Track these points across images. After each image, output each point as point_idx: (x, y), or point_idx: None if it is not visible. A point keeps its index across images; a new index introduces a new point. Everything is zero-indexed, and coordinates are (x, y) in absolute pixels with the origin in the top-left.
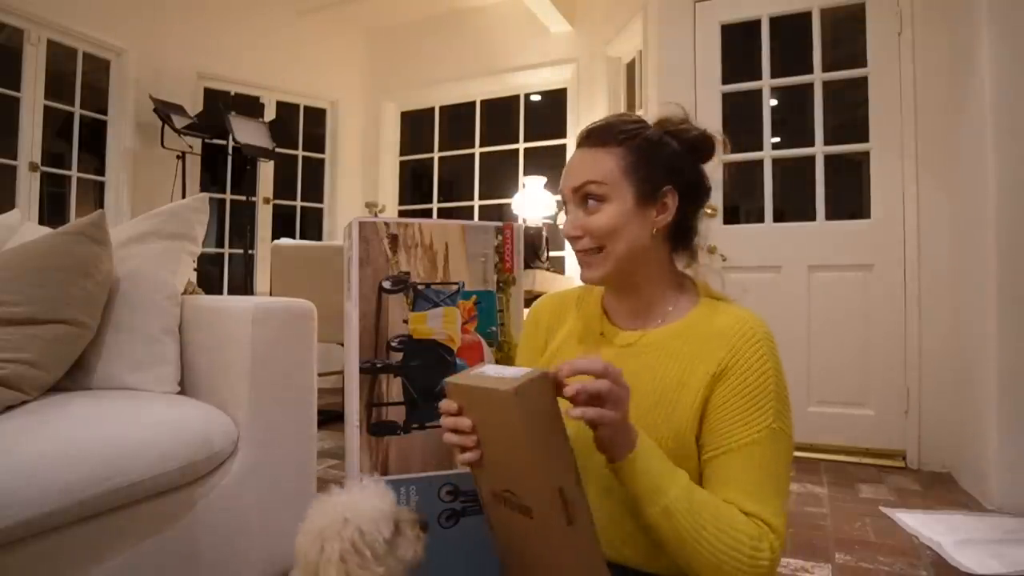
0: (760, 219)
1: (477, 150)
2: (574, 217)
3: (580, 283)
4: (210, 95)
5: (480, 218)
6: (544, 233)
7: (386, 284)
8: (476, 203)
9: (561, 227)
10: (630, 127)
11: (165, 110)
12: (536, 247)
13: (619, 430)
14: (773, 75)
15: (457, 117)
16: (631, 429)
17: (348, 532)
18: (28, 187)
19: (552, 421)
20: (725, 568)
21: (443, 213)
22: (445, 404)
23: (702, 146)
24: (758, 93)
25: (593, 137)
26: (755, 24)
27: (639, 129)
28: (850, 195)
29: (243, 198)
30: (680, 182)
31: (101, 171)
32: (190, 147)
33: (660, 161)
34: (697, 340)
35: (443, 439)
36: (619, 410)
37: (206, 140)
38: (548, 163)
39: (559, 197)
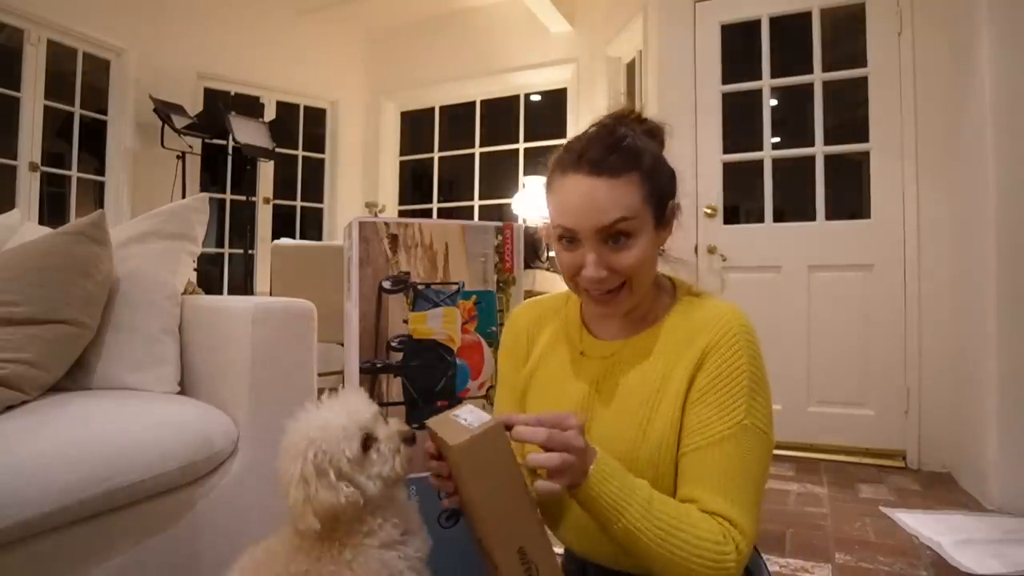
0: (760, 219)
1: (477, 150)
2: (598, 257)
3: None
4: (210, 95)
5: (480, 218)
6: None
7: (386, 284)
8: (476, 203)
9: (565, 264)
10: (629, 142)
11: (165, 110)
12: (536, 247)
13: (573, 472)
14: (773, 75)
15: (457, 117)
16: (585, 462)
17: (311, 452)
18: (28, 187)
19: (507, 475)
20: (692, 574)
21: (443, 213)
22: (428, 445)
23: (662, 135)
24: (758, 93)
25: (608, 163)
26: (755, 24)
27: (635, 140)
28: (850, 195)
29: (243, 198)
30: (673, 189)
31: (101, 171)
32: (190, 147)
33: (663, 175)
34: (678, 337)
35: (431, 480)
36: (573, 472)
37: (206, 140)
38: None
39: (552, 225)
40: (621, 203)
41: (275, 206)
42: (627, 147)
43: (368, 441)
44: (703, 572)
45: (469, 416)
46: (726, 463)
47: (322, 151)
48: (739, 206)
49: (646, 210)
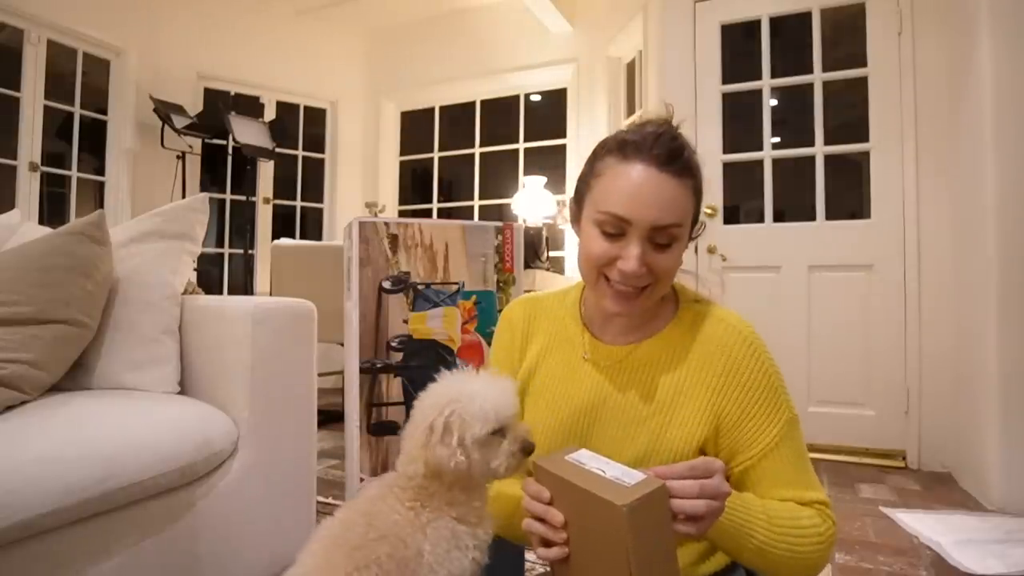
0: (760, 219)
1: (477, 150)
2: (642, 253)
3: (576, 283)
4: (210, 95)
5: (480, 218)
6: (544, 233)
7: (386, 284)
8: (476, 203)
9: (597, 252)
10: (689, 152)
11: (165, 110)
12: (536, 247)
13: (716, 517)
14: (773, 75)
15: (457, 117)
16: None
17: (449, 410)
18: (28, 187)
19: (664, 538)
20: (811, 563)
21: (443, 213)
22: (535, 489)
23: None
24: (758, 93)
25: (677, 163)
26: (755, 24)
27: (692, 153)
28: (850, 195)
29: (243, 198)
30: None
31: (101, 171)
32: (190, 147)
33: (702, 195)
34: (688, 349)
35: (523, 525)
36: (715, 518)
37: (206, 140)
38: (548, 163)
39: (597, 210)
40: (680, 208)
41: (275, 206)
42: (689, 157)
43: (496, 433)
44: (820, 556)
45: (599, 463)
46: (792, 458)
47: (322, 151)
48: (739, 206)
49: (688, 222)
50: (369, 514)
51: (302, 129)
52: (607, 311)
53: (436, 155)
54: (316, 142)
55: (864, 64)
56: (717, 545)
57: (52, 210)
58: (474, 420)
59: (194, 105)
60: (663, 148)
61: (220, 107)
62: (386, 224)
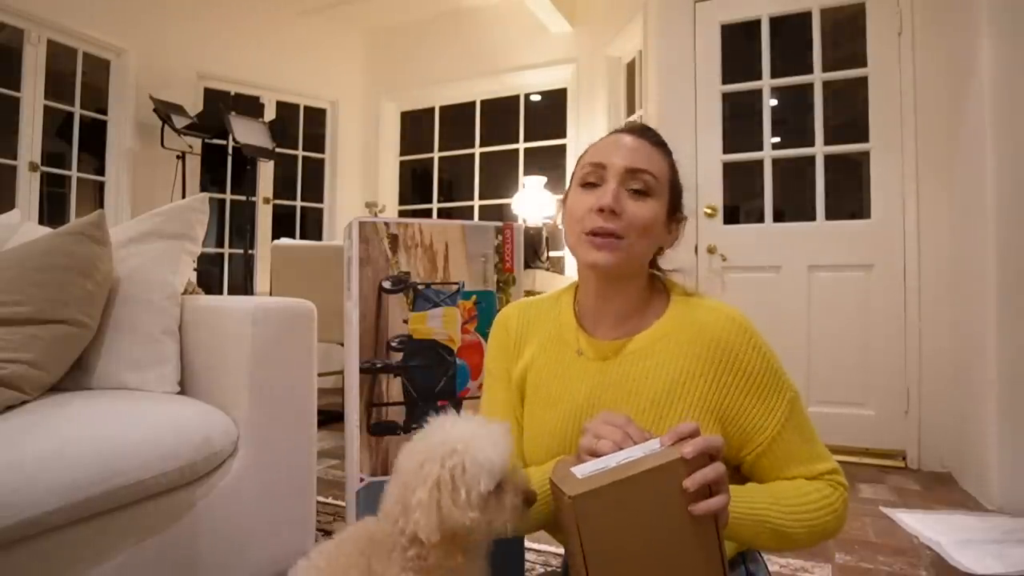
0: (760, 219)
1: (477, 150)
2: (617, 190)
3: (570, 284)
4: (210, 95)
5: (480, 218)
6: (544, 233)
7: (386, 284)
8: (476, 203)
9: (578, 206)
10: (664, 142)
11: (165, 110)
12: (536, 247)
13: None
14: (773, 75)
15: (457, 117)
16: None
17: (451, 462)
18: (28, 187)
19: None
20: (829, 531)
21: (443, 213)
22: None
23: None
24: (758, 93)
25: (650, 134)
26: (755, 24)
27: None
28: (850, 195)
29: (243, 198)
30: (681, 203)
31: (101, 171)
32: (190, 147)
33: (679, 182)
34: (683, 340)
35: None
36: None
37: (206, 140)
38: (548, 163)
39: (580, 166)
40: (652, 161)
41: (275, 206)
42: (660, 137)
43: (501, 486)
44: (836, 523)
45: (607, 460)
46: (798, 436)
47: (322, 151)
48: (739, 206)
49: (666, 190)
50: (358, 551)
51: (302, 129)
52: (589, 263)
53: (436, 155)
54: (316, 142)
55: (864, 64)
56: (735, 538)
57: (52, 210)
58: (481, 473)
59: (194, 105)
60: (648, 128)
61: (220, 107)
62: (386, 224)
